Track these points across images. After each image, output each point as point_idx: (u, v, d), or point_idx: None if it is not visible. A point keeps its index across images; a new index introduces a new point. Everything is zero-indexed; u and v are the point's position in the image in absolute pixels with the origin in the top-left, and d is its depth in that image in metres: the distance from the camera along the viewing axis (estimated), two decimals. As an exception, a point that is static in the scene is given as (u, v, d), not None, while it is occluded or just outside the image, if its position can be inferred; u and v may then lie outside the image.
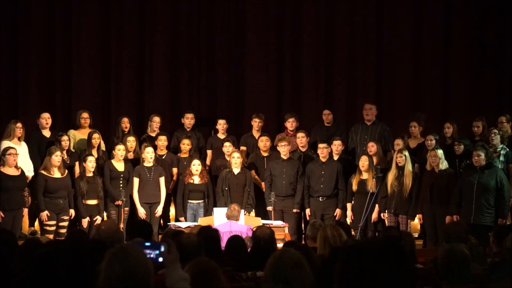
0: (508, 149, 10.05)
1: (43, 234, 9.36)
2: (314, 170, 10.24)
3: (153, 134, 10.97)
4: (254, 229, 6.59)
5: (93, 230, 9.29)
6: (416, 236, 9.91)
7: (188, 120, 11.16)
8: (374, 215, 9.86)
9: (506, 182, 9.30)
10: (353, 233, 8.69)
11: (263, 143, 10.64)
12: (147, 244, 3.38)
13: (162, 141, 10.59)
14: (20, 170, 9.46)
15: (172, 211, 10.74)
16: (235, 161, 10.18)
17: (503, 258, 5.76)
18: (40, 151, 10.28)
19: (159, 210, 10.13)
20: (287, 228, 9.43)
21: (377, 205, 9.85)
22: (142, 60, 13.14)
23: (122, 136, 10.77)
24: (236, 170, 10.20)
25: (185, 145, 10.60)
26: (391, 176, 9.75)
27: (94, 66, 12.96)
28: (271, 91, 13.30)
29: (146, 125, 11.40)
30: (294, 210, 10.19)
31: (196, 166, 10.12)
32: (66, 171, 9.73)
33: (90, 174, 9.80)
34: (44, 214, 9.45)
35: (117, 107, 12.80)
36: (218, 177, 10.36)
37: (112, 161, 10.13)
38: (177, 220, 10.18)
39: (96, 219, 9.62)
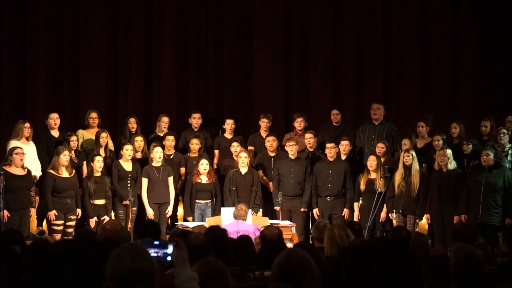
0: (516, 149, 10.03)
1: (50, 234, 9.38)
2: (321, 170, 10.23)
3: (162, 134, 10.99)
4: (262, 229, 6.59)
5: (98, 230, 9.29)
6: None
7: (195, 120, 11.17)
8: (383, 215, 9.86)
9: (514, 182, 9.30)
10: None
11: (270, 143, 10.64)
12: (156, 243, 3.38)
13: (170, 141, 10.61)
14: (26, 170, 9.48)
15: (180, 211, 10.75)
16: (243, 161, 10.18)
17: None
18: (48, 151, 10.31)
19: (169, 211, 10.16)
20: (294, 227, 9.43)
21: (385, 205, 9.85)
22: (149, 60, 13.17)
23: (129, 136, 10.80)
24: (244, 170, 10.20)
25: (194, 144, 10.62)
26: (398, 176, 9.74)
27: (102, 66, 12.99)
28: (279, 91, 13.30)
29: (154, 125, 11.42)
30: (302, 210, 10.18)
31: (204, 165, 10.13)
32: (74, 170, 9.76)
33: (98, 174, 9.82)
34: (52, 213, 9.47)
35: (125, 107, 12.84)
36: (225, 177, 10.37)
37: (120, 161, 10.15)
38: (185, 220, 10.20)
39: (104, 219, 9.63)
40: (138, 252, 3.03)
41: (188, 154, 10.71)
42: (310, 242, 8.69)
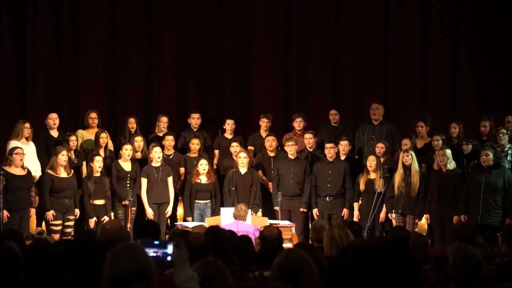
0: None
1: (49, 234, 9.37)
2: (321, 170, 10.23)
3: (161, 134, 10.99)
4: (261, 229, 6.58)
5: (98, 230, 9.28)
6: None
7: (194, 120, 11.17)
8: (382, 215, 9.85)
9: (514, 182, 9.30)
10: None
11: (269, 143, 10.64)
12: (156, 242, 3.39)
13: (169, 141, 10.61)
14: (26, 170, 9.48)
15: (180, 211, 10.75)
16: (242, 161, 10.18)
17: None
18: (48, 151, 10.30)
19: (169, 211, 10.17)
20: (294, 228, 9.43)
21: (384, 205, 9.85)
22: (149, 60, 13.17)
23: (129, 136, 10.80)
24: (243, 170, 10.20)
25: (195, 144, 10.61)
26: (397, 177, 9.73)
27: (101, 66, 12.99)
28: (278, 91, 13.30)
29: (154, 125, 11.41)
30: (301, 210, 10.18)
31: (203, 165, 10.13)
32: (72, 171, 9.76)
33: (98, 174, 9.82)
34: (50, 213, 9.46)
35: (125, 107, 12.84)
36: (225, 177, 10.37)
37: (119, 161, 10.15)
38: (184, 220, 10.20)
39: (104, 219, 9.62)
40: (134, 252, 3.03)
41: (188, 154, 10.70)
42: (310, 242, 8.69)
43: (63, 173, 9.62)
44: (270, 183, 10.49)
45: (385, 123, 10.96)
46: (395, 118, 12.12)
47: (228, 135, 11.11)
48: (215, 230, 6.03)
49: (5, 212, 9.14)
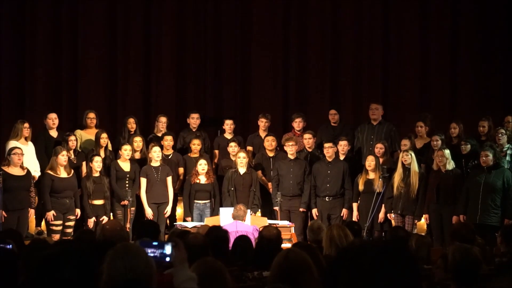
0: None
1: (49, 234, 9.38)
2: (320, 170, 10.23)
3: (160, 134, 10.98)
4: (260, 229, 6.58)
5: (98, 230, 9.28)
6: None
7: (194, 120, 11.16)
8: (381, 215, 9.85)
9: (513, 182, 9.30)
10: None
11: (269, 143, 10.64)
12: (155, 243, 3.38)
13: (168, 141, 10.61)
14: (25, 170, 9.47)
15: (179, 211, 10.75)
16: (241, 161, 10.18)
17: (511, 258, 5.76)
18: (47, 151, 10.30)
19: (168, 211, 10.16)
20: (293, 228, 9.43)
21: (383, 205, 9.84)
22: (148, 60, 13.15)
23: (128, 136, 10.79)
24: (242, 170, 10.20)
25: (196, 145, 10.60)
26: (397, 177, 9.73)
27: (100, 66, 12.97)
28: (277, 91, 13.28)
29: (153, 125, 11.41)
30: (301, 210, 10.18)
31: (202, 166, 10.13)
32: (72, 171, 9.76)
33: (97, 174, 9.82)
34: (50, 214, 9.46)
35: (124, 107, 12.82)
36: (224, 177, 10.36)
37: (118, 161, 10.15)
38: (184, 220, 10.19)
39: (103, 219, 9.63)
40: (132, 254, 3.01)
41: (189, 154, 10.70)
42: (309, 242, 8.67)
43: (63, 173, 9.61)
44: (269, 183, 10.49)
45: (384, 123, 10.96)
46: (395, 118, 12.11)
47: (228, 135, 11.11)
48: (217, 230, 6.03)
49: (2, 213, 9.12)
